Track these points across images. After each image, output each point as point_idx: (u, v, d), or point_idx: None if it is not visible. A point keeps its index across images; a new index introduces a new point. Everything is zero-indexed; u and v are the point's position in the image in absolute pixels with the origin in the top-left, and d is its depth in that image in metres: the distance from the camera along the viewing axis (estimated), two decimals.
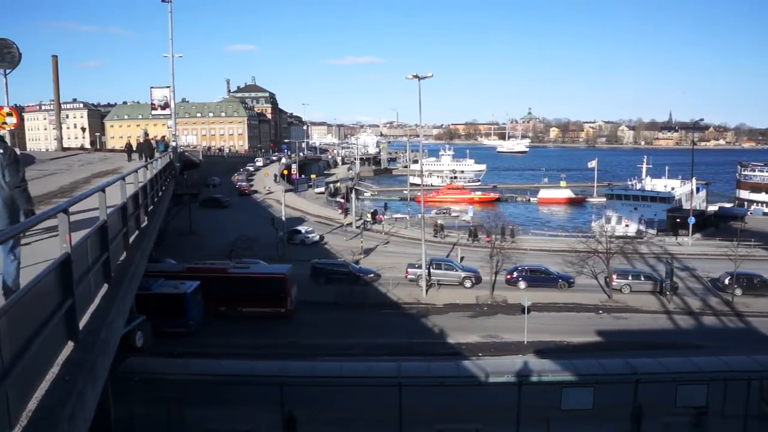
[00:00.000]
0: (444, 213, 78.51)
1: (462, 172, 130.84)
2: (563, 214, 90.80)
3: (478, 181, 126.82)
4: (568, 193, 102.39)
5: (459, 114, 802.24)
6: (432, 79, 43.99)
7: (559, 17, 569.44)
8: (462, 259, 46.28)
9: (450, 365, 23.79)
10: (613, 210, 67.13)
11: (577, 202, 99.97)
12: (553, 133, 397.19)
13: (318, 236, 57.45)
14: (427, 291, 39.77)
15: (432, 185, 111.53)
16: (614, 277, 40.41)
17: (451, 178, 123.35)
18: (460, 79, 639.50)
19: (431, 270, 41.73)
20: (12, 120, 21.02)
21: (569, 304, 38.06)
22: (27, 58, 21.01)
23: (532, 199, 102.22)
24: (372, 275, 42.62)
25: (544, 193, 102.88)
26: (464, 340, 32.03)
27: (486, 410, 21.08)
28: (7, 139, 8.89)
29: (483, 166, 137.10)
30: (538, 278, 41.66)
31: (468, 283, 41.34)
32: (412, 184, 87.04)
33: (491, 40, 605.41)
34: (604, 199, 79.30)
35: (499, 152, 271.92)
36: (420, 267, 41.42)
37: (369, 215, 64.86)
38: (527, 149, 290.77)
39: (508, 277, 41.68)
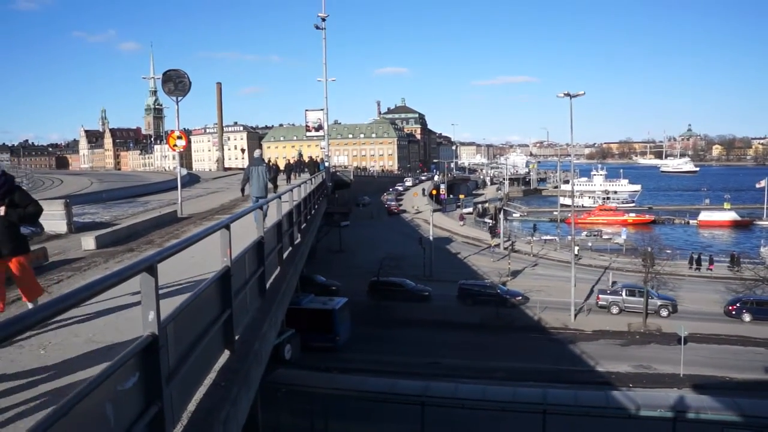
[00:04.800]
0: (595, 235, 75.48)
1: (615, 192, 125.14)
2: (727, 238, 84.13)
3: (633, 202, 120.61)
4: (732, 216, 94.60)
5: (612, 132, 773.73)
6: (584, 96, 43.07)
7: (718, 25, 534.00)
8: (614, 284, 44.17)
9: (598, 394, 22.77)
10: None
11: (743, 226, 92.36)
12: (716, 150, 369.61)
13: (369, 200, 79.73)
14: (575, 316, 38.48)
15: (583, 206, 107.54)
16: None
17: (604, 198, 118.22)
18: (614, 96, 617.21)
19: (624, 297, 40.05)
20: (182, 143, 22.74)
21: (732, 337, 34.90)
22: (195, 85, 22.70)
23: (691, 221, 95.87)
24: (519, 298, 41.77)
25: (705, 216, 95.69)
26: (614, 369, 30.45)
27: None
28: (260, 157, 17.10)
29: (638, 187, 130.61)
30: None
31: (664, 312, 38.44)
32: (562, 205, 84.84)
33: (647, 54, 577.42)
34: None
35: (663, 172, 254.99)
36: (614, 293, 40.45)
37: (488, 228, 63.64)
38: (697, 168, 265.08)
39: (730, 308, 37.90)
